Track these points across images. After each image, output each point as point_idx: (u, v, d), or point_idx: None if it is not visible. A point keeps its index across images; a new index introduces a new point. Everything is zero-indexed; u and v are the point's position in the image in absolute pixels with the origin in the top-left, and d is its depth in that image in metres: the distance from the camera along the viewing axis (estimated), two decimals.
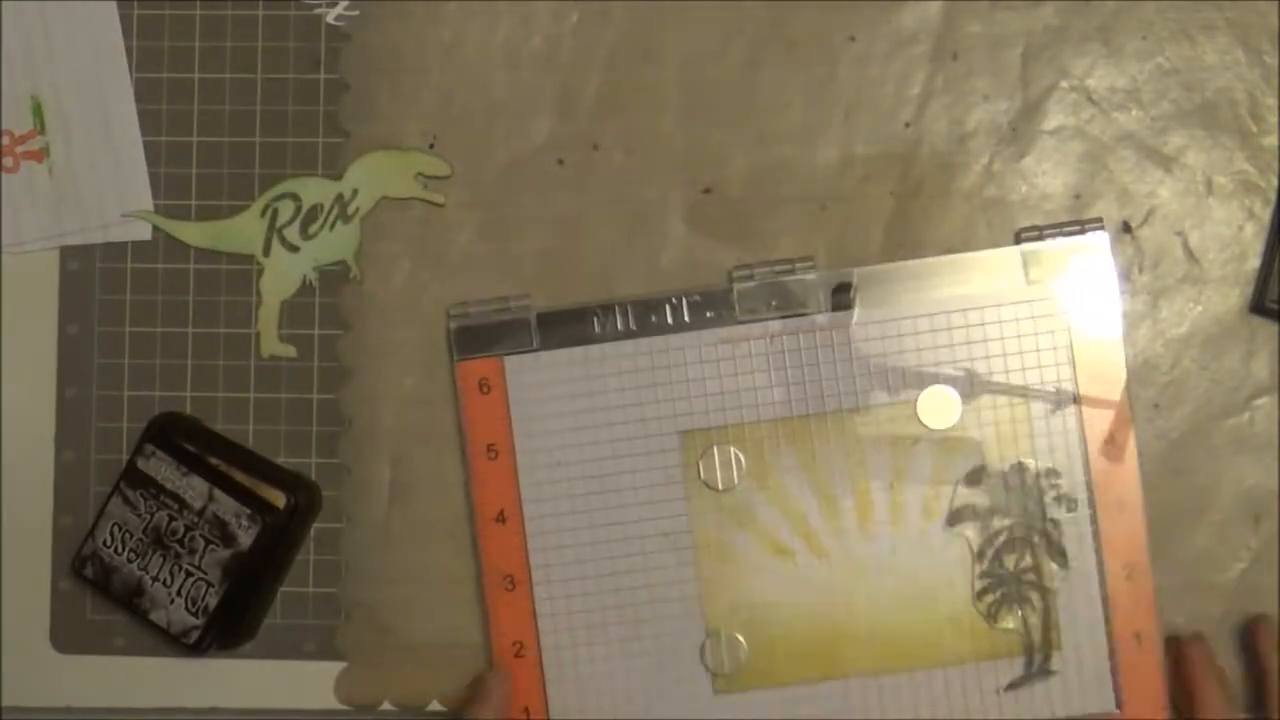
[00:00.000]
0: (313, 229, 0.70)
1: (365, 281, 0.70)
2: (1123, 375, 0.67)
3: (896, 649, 0.67)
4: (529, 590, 0.68)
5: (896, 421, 0.68)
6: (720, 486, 0.68)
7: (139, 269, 0.71)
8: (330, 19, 0.71)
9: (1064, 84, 0.69)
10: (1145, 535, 0.67)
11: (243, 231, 0.71)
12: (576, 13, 0.70)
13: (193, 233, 0.71)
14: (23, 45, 0.71)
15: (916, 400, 0.67)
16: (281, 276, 0.71)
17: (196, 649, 0.68)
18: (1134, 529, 0.67)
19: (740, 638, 0.68)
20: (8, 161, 0.71)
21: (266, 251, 0.71)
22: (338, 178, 0.70)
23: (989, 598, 0.67)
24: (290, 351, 0.70)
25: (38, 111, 0.71)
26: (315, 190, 0.71)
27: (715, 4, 0.69)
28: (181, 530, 0.67)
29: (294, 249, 0.71)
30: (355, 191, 0.70)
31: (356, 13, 0.71)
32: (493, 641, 0.68)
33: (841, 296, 0.68)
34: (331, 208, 0.70)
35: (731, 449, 0.68)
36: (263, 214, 0.71)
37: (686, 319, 0.69)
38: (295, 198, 0.70)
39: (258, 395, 0.71)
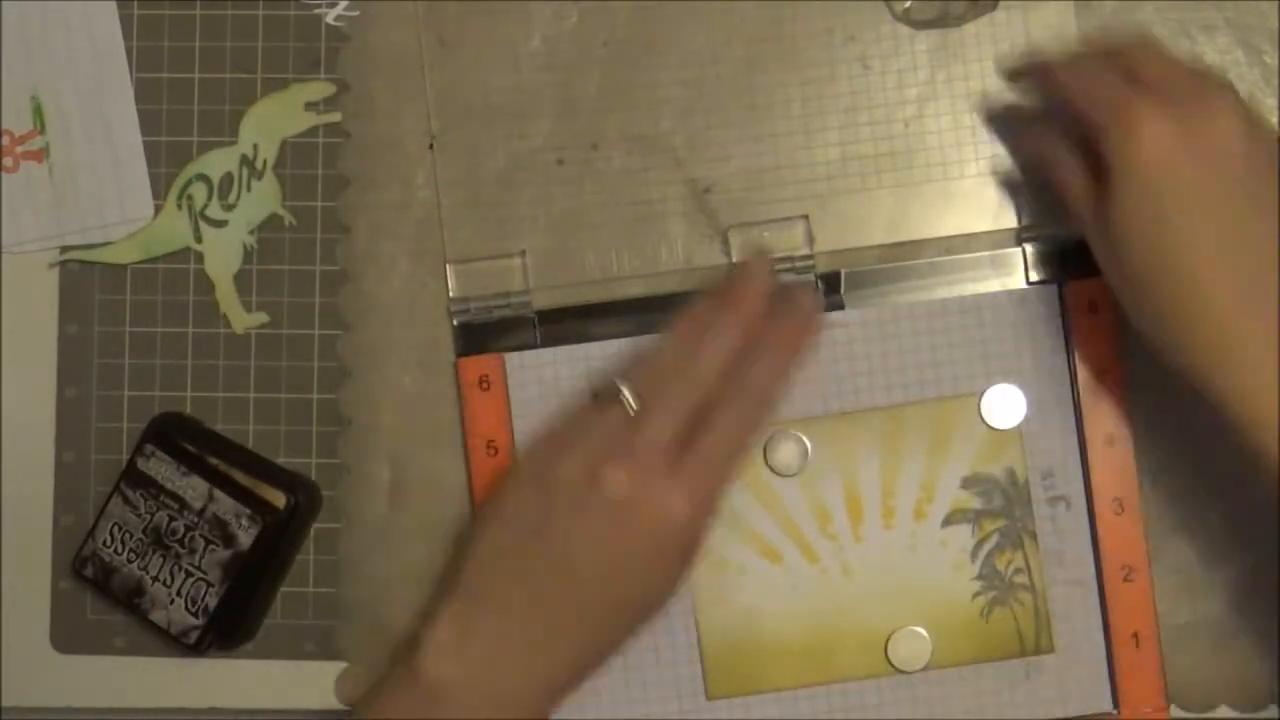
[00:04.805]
0: (231, 198, 0.71)
1: (365, 281, 0.70)
2: (1122, 375, 0.67)
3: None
4: None
5: (894, 424, 0.68)
6: None
7: (139, 269, 0.71)
8: (330, 19, 0.71)
9: None
10: (1144, 536, 0.67)
11: (168, 230, 0.71)
12: (576, 13, 0.70)
13: (122, 251, 0.71)
14: (23, 45, 0.71)
15: (980, 398, 0.67)
16: (222, 254, 0.71)
17: (196, 649, 0.68)
18: (1132, 529, 0.67)
19: (803, 436, 0.67)
20: (8, 161, 0.71)
21: (198, 238, 0.71)
22: (234, 141, 0.71)
23: (981, 600, 0.67)
24: (262, 319, 0.70)
25: (38, 111, 0.71)
26: (219, 161, 0.71)
27: (715, 4, 0.69)
28: (181, 530, 0.67)
29: (222, 224, 0.71)
30: (255, 146, 0.71)
31: (356, 13, 0.71)
32: None
33: (841, 297, 0.68)
34: (241, 171, 0.70)
35: None
36: (179, 205, 0.71)
37: None
38: (204, 177, 0.71)
39: (258, 395, 0.71)
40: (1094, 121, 0.58)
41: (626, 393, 0.62)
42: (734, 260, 0.69)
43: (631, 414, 0.62)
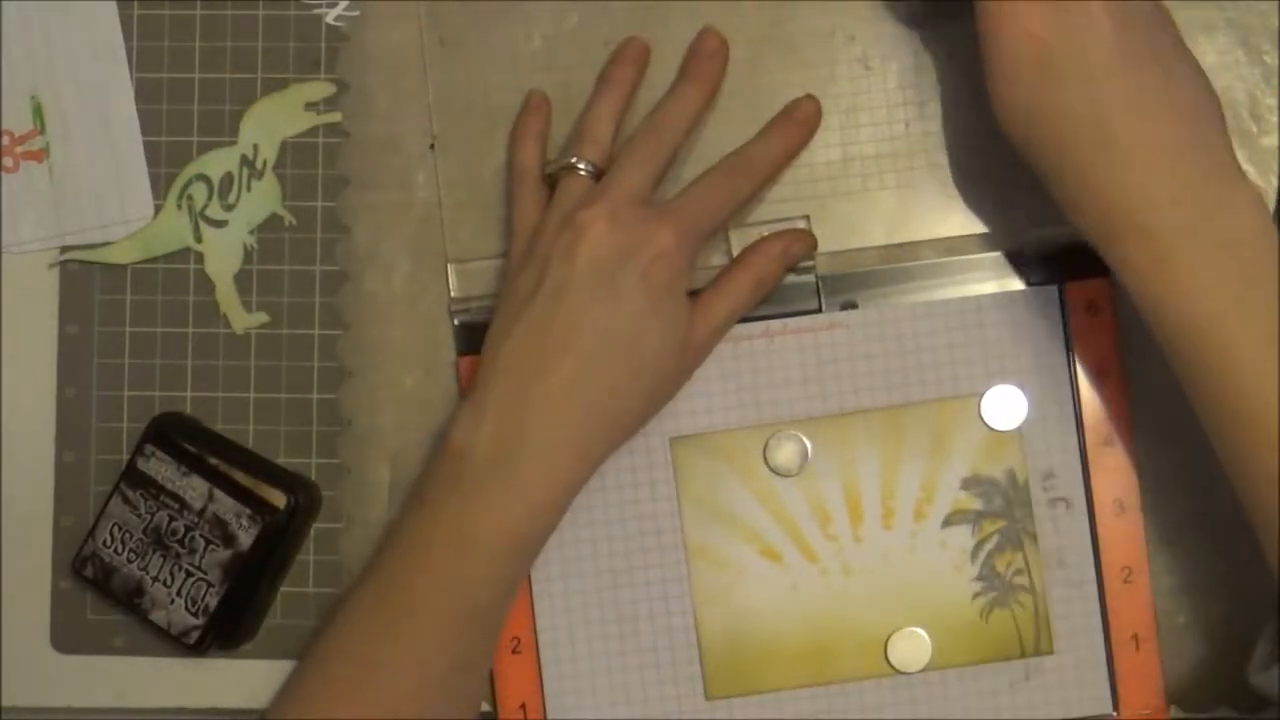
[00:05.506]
0: (231, 198, 0.71)
1: (365, 281, 0.70)
2: (1122, 375, 0.67)
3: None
4: (527, 587, 0.68)
5: (894, 424, 0.68)
6: (711, 494, 0.68)
7: (139, 269, 0.71)
8: (330, 19, 0.71)
9: None
10: (1144, 537, 0.67)
11: (168, 230, 0.71)
12: (576, 13, 0.70)
13: (122, 251, 0.71)
14: (23, 45, 0.71)
15: (980, 399, 0.67)
16: (223, 254, 0.71)
17: (196, 649, 0.68)
18: (1132, 530, 0.67)
19: (803, 436, 0.68)
20: (8, 161, 0.71)
21: (198, 238, 0.71)
22: (234, 141, 0.71)
23: (981, 601, 0.67)
24: (262, 319, 0.70)
25: (38, 111, 0.71)
26: (219, 161, 0.71)
27: (715, 4, 0.69)
28: (181, 530, 0.67)
29: (222, 224, 0.71)
30: (256, 147, 0.71)
31: (356, 13, 0.71)
32: None
33: (841, 298, 0.68)
34: (241, 171, 0.70)
35: (722, 456, 0.68)
36: (179, 205, 0.71)
37: None
38: (203, 177, 0.71)
39: (258, 395, 0.71)
40: None
41: (580, 163, 0.65)
42: (733, 257, 0.68)
43: (592, 180, 0.65)
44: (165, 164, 0.71)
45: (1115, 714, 0.66)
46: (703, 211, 0.65)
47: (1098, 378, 0.67)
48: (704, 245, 0.66)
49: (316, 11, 0.71)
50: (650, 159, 0.65)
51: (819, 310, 0.68)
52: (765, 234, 0.68)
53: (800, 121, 0.68)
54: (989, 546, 0.67)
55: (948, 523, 0.67)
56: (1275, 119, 0.68)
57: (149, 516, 0.68)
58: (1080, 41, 0.56)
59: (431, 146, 0.70)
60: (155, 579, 0.68)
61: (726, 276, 0.66)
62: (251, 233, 0.71)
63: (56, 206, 0.71)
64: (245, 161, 0.71)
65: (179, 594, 0.67)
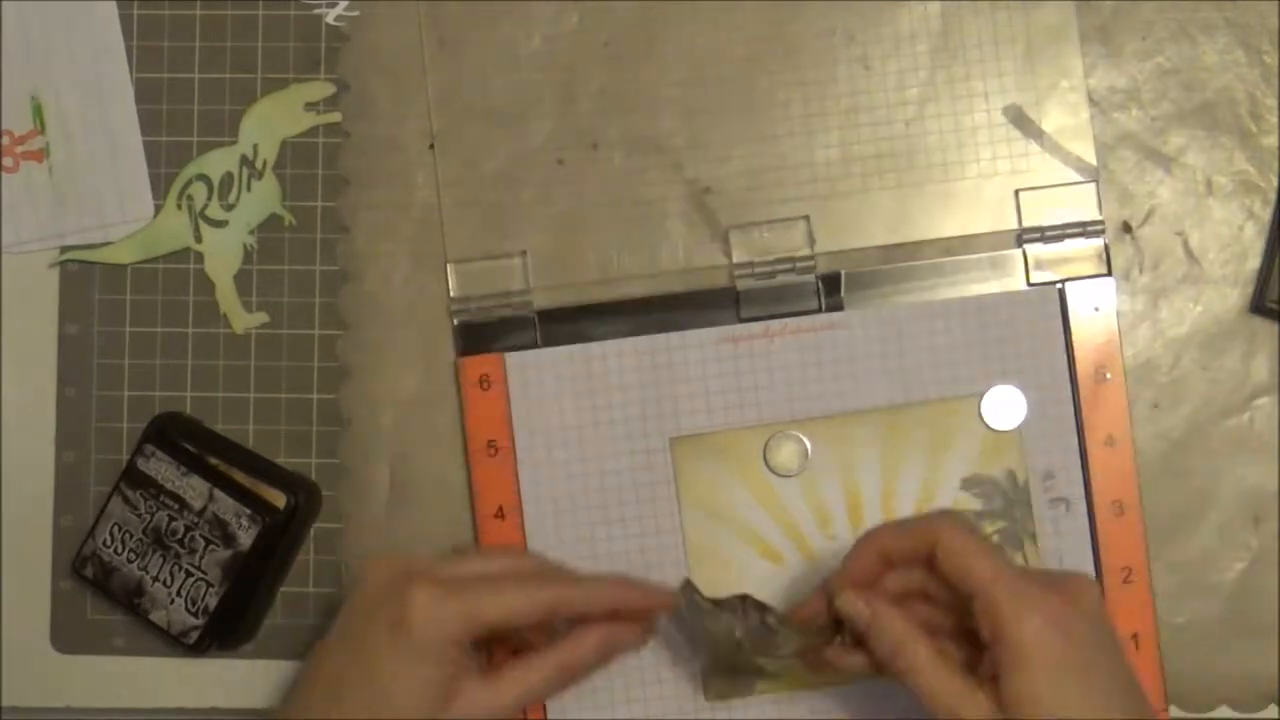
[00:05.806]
0: (231, 198, 0.71)
1: (365, 281, 0.70)
2: (1122, 376, 0.67)
3: None
4: None
5: (894, 424, 0.68)
6: (711, 494, 0.68)
7: (139, 269, 0.71)
8: (330, 19, 0.71)
9: (1064, 84, 0.69)
10: (1144, 537, 0.67)
11: (167, 230, 0.71)
12: (577, 13, 0.70)
13: (122, 252, 0.71)
14: (23, 45, 0.71)
15: (980, 399, 0.67)
16: (222, 254, 0.71)
17: (196, 649, 0.68)
18: (1132, 531, 0.67)
19: (803, 436, 0.68)
20: (8, 161, 0.72)
21: (198, 238, 0.71)
22: (234, 141, 0.71)
23: None
24: (262, 319, 0.71)
25: (38, 111, 0.71)
26: (219, 161, 0.71)
27: (715, 4, 0.69)
28: (181, 530, 0.67)
29: (222, 224, 0.71)
30: (255, 147, 0.71)
31: (356, 13, 0.71)
32: None
33: (841, 297, 0.68)
34: (241, 171, 0.70)
35: (722, 456, 0.68)
36: (179, 205, 0.71)
37: (686, 319, 0.69)
38: (203, 177, 0.71)
39: (258, 395, 0.71)
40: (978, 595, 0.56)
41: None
42: (734, 260, 0.68)
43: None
44: (165, 164, 0.71)
45: None
46: (476, 587, 0.61)
47: (1097, 377, 0.67)
48: (483, 619, 0.60)
49: (316, 11, 0.71)
50: (478, 565, 0.63)
51: (819, 310, 0.68)
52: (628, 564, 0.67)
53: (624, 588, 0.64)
54: None
55: None
56: (1275, 119, 0.68)
57: (149, 516, 0.68)
58: (1102, 638, 0.56)
59: (431, 146, 0.70)
60: (155, 579, 0.68)
61: (531, 656, 0.62)
62: (251, 233, 0.71)
63: (56, 206, 0.71)
64: (245, 161, 0.71)
65: (179, 594, 0.67)
